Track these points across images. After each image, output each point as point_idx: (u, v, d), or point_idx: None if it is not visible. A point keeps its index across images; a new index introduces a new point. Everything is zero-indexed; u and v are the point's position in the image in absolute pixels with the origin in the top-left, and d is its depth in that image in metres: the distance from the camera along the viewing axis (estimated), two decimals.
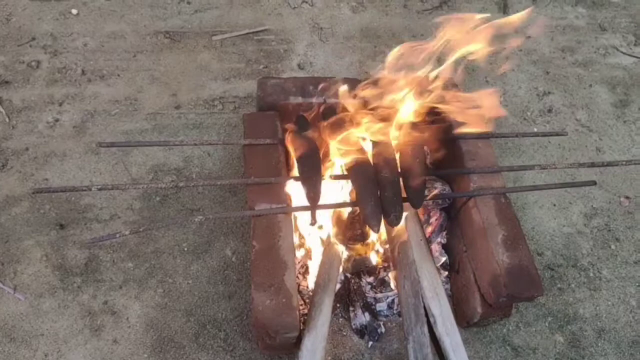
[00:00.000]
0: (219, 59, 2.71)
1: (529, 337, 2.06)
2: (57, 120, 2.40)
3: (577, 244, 2.31)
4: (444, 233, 2.12)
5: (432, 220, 2.10)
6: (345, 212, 2.00)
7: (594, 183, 2.07)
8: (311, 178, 1.78)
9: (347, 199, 1.96)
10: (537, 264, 1.82)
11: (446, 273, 2.10)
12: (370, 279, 2.02)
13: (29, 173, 2.24)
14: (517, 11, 3.14)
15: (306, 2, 3.02)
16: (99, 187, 1.78)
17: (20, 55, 2.60)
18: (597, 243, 2.33)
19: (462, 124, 1.80)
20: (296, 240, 1.96)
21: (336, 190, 1.99)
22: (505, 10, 3.16)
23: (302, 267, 2.02)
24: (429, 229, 2.09)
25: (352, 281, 2.01)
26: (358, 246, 2.04)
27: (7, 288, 1.97)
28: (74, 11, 2.79)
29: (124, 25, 2.78)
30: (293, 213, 1.85)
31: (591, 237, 2.35)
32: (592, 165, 2.15)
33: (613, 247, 2.33)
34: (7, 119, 2.37)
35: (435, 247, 2.09)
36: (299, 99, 2.07)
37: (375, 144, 1.86)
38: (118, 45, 2.70)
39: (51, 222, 2.12)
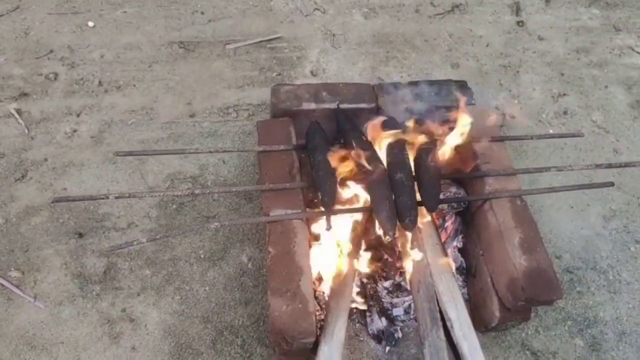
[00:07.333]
0: (233, 68, 2.74)
1: (548, 341, 2.04)
2: (75, 130, 2.44)
3: (595, 247, 2.28)
4: (460, 237, 2.11)
5: (448, 224, 2.09)
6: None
7: (612, 184, 2.05)
8: (326, 183, 1.79)
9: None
10: (556, 267, 1.80)
11: (463, 277, 2.09)
12: (387, 284, 2.01)
13: (47, 183, 2.27)
14: (530, 14, 3.16)
15: (318, 10, 3.04)
16: (116, 195, 1.82)
17: (38, 68, 2.64)
18: (616, 245, 2.30)
19: None
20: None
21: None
22: (518, 13, 3.15)
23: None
24: (445, 233, 2.08)
25: (369, 286, 2.00)
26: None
27: (27, 296, 2.00)
28: (91, 24, 2.84)
29: (139, 37, 2.82)
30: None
31: (610, 240, 2.31)
32: (610, 166, 2.14)
33: (632, 249, 2.30)
34: (26, 131, 2.41)
35: (452, 252, 2.08)
36: (313, 105, 2.08)
37: (389, 146, 1.86)
38: (134, 56, 2.73)
39: (70, 231, 2.15)
